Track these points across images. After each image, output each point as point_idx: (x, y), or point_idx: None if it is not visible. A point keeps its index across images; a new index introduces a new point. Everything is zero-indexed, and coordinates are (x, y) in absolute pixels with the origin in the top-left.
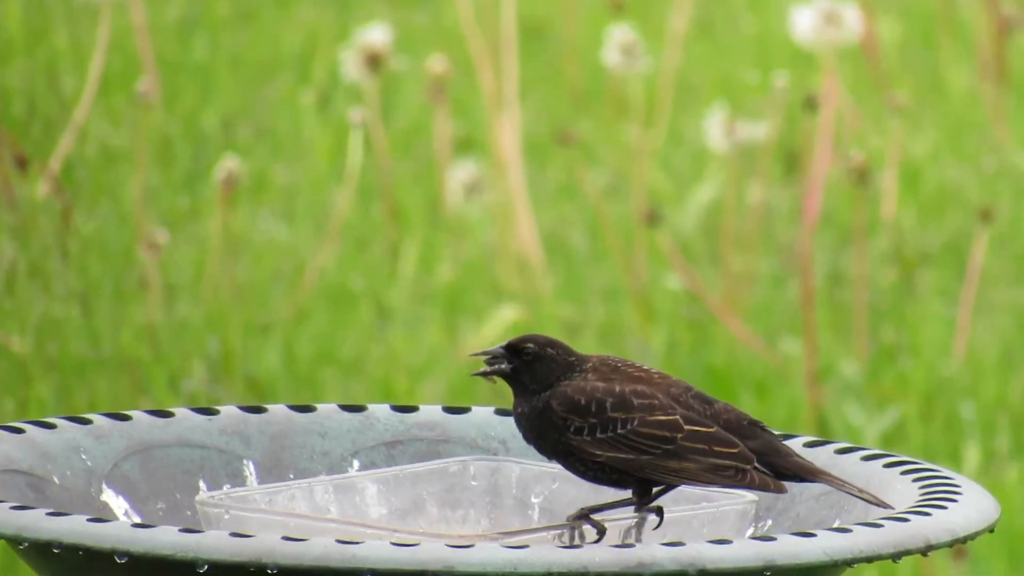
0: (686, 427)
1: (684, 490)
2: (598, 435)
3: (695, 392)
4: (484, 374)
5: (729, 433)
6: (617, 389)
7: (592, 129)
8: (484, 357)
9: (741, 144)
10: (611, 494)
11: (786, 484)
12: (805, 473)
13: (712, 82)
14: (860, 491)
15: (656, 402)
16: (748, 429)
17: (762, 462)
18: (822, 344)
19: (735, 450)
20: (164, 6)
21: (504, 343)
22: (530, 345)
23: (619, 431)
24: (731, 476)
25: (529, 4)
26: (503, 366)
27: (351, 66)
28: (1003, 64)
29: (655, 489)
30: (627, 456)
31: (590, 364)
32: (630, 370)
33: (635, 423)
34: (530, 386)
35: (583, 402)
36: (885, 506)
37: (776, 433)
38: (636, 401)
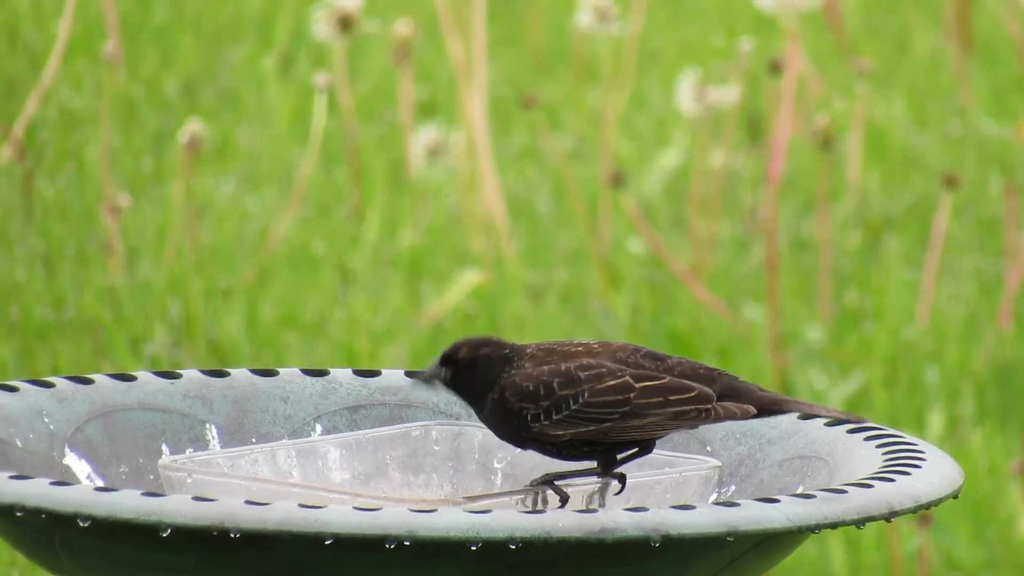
0: (637, 385)
1: (647, 456)
2: (555, 416)
3: (645, 351)
4: (427, 385)
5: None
6: (563, 368)
7: (555, 92)
8: (423, 376)
9: (711, 108)
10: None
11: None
12: (771, 405)
13: (675, 47)
14: (827, 410)
15: (604, 370)
16: (705, 375)
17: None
18: (786, 309)
19: (691, 394)
20: None
21: (438, 356)
22: (462, 352)
23: (572, 407)
24: (694, 418)
25: None
26: (443, 377)
27: (321, 28)
28: (968, 28)
29: (619, 456)
30: (588, 428)
31: (528, 352)
32: (568, 348)
33: (585, 395)
34: (476, 389)
35: (531, 388)
36: (858, 420)
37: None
38: (583, 374)
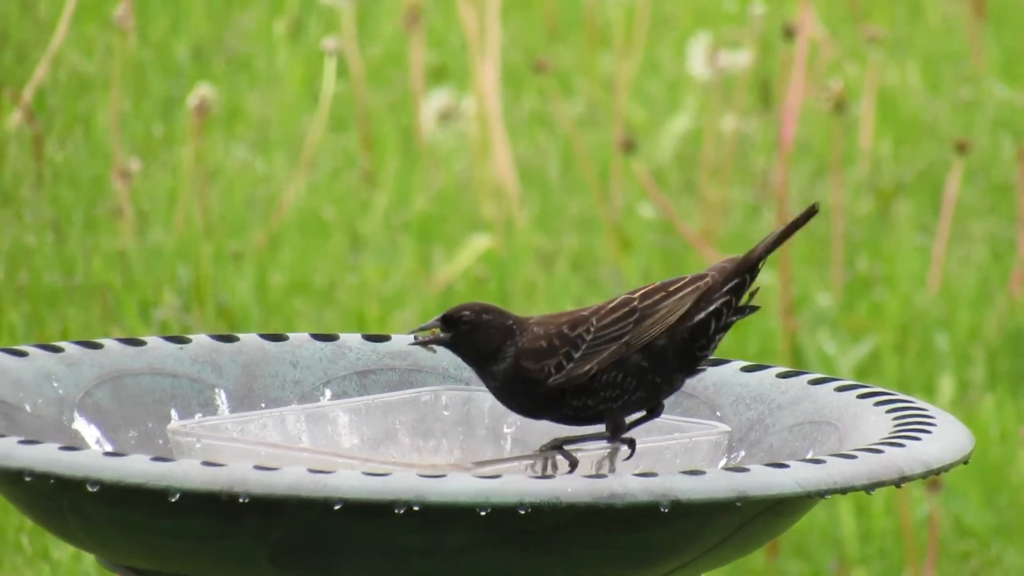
0: (636, 295)
1: (657, 421)
2: (576, 355)
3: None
4: (422, 343)
5: None
6: (565, 318)
7: (567, 58)
8: (422, 334)
9: (723, 72)
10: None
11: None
12: (753, 260)
13: (687, 11)
14: (790, 224)
15: (602, 303)
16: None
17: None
18: (797, 274)
19: (685, 279)
20: None
21: (439, 315)
22: (466, 313)
23: (588, 339)
24: (699, 290)
25: None
26: (441, 336)
27: None
28: None
29: (628, 420)
30: (611, 348)
31: (532, 322)
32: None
33: (594, 323)
34: (472, 355)
35: (546, 344)
36: (812, 211)
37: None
38: (586, 313)
